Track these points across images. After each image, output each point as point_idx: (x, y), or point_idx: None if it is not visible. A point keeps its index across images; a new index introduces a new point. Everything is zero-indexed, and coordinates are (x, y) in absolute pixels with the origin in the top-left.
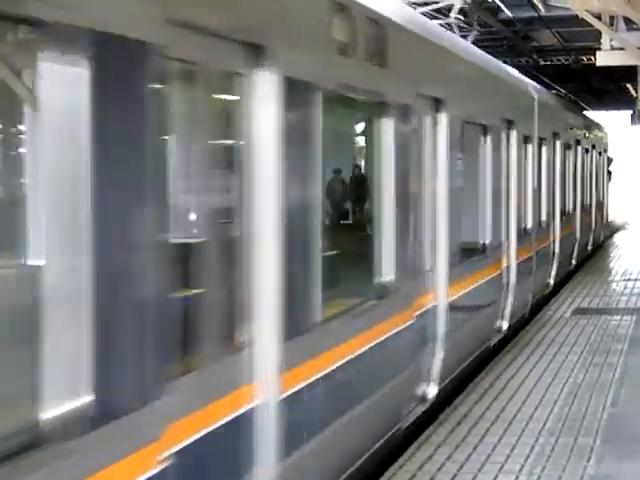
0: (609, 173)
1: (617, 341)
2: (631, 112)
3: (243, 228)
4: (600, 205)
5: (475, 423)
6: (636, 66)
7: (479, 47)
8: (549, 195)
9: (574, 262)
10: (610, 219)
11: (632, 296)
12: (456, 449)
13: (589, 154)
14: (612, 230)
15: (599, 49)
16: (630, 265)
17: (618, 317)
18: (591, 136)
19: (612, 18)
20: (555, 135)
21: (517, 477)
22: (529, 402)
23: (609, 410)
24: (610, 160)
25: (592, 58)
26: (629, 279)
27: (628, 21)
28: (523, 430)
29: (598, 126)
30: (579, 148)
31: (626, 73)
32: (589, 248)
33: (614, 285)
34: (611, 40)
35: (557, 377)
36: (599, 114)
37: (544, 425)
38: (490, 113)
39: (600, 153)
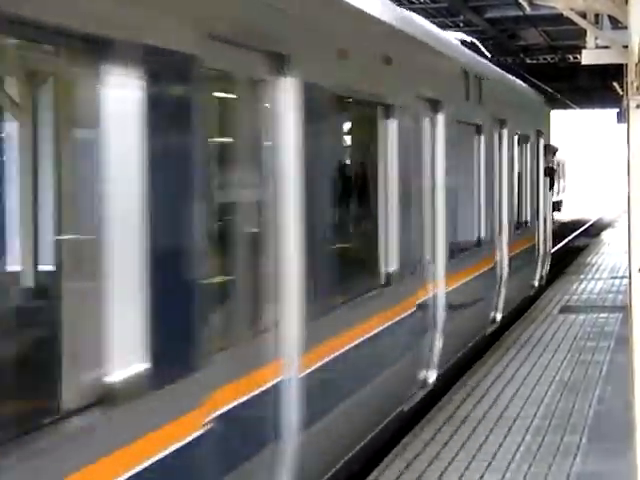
0: (551, 172)
1: (604, 339)
2: (617, 110)
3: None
4: (529, 230)
5: (462, 421)
6: (622, 64)
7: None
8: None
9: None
10: (597, 218)
11: (619, 294)
12: (443, 447)
13: (495, 139)
14: (594, 232)
15: (585, 47)
16: (618, 262)
17: (605, 315)
18: (501, 104)
19: (597, 16)
20: (397, 103)
21: (504, 475)
22: (516, 400)
23: (595, 408)
24: (552, 151)
25: (578, 56)
26: (616, 277)
27: (613, 19)
28: (510, 428)
29: (523, 89)
30: (461, 126)
31: (612, 71)
32: (511, 306)
33: (601, 283)
34: (596, 38)
35: (544, 375)
36: (586, 112)
37: (531, 423)
38: None
39: (527, 138)
